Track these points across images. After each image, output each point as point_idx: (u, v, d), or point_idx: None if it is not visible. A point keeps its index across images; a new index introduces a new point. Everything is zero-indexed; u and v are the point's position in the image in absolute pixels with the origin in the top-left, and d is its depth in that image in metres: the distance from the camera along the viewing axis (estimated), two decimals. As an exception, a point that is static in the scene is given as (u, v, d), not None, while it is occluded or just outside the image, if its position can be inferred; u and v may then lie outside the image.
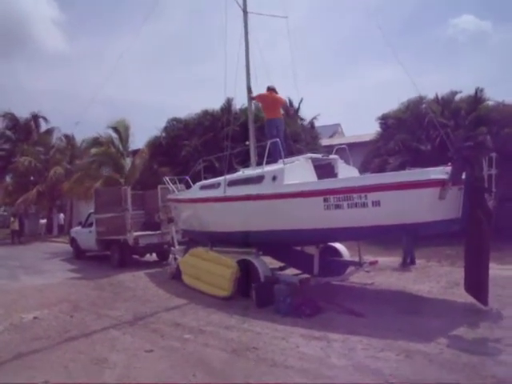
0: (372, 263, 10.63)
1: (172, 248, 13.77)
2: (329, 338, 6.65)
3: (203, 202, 11.37)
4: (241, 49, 11.83)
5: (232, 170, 12.27)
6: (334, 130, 40.51)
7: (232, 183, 10.55)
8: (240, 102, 23.86)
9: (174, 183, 14.00)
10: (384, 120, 23.02)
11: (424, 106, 21.32)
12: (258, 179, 9.75)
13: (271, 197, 9.24)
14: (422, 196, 7.45)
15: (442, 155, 16.22)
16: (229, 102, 23.89)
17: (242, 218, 10.14)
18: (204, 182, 12.00)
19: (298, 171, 9.42)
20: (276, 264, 10.99)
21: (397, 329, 6.91)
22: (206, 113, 24.50)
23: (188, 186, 13.34)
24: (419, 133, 20.22)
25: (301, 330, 7.11)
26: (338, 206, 8.23)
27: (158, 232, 15.67)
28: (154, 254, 17.49)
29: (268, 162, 10.04)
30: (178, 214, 13.57)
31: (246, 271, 9.72)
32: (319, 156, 10.27)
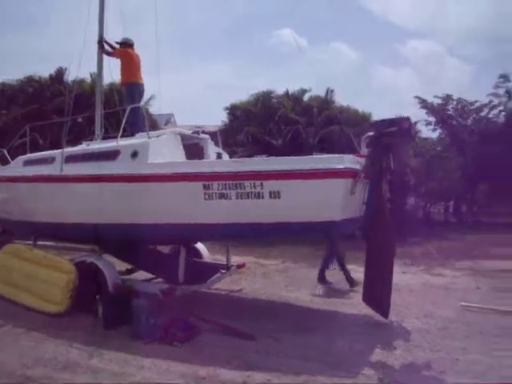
0: (240, 266, 9.04)
1: (-24, 242, 10.29)
2: (222, 379, 4.75)
3: (28, 182, 8.41)
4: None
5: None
6: (167, 119, 38.41)
7: (72, 159, 7.89)
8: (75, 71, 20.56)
9: (-14, 158, 10.46)
10: (231, 111, 21.88)
11: (275, 100, 20.72)
12: (111, 155, 7.34)
13: (130, 179, 6.94)
14: (335, 188, 6.04)
15: (293, 150, 15.69)
16: (61, 71, 20.31)
17: (83, 206, 7.60)
18: (31, 155, 8.99)
19: (164, 148, 7.29)
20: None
21: (303, 355, 5.36)
22: (30, 79, 20.32)
23: (4, 162, 10.08)
24: (271, 126, 19.50)
25: (178, 367, 5.04)
26: (222, 196, 6.38)
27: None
28: None
29: (122, 136, 7.72)
30: (-13, 196, 10.16)
31: (87, 277, 7.22)
32: (189, 133, 8.24)
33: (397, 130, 6.15)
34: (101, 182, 7.22)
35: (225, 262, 8.81)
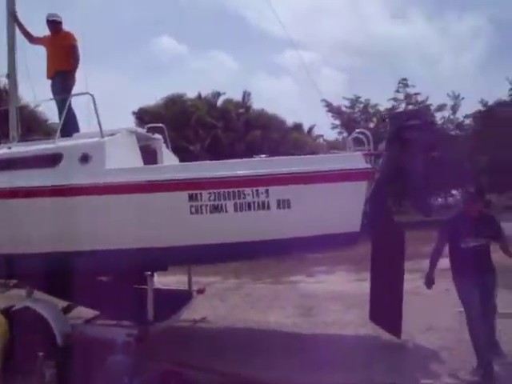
0: (200, 291, 7.56)
1: None
2: None
3: None
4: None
5: None
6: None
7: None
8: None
9: None
10: (139, 115, 19.97)
11: (190, 103, 19.26)
12: (50, 160, 5.48)
13: (83, 190, 5.22)
14: (357, 192, 5.02)
15: (213, 156, 14.53)
16: None
17: (5, 231, 5.66)
18: None
19: (121, 150, 5.68)
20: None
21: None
22: None
23: None
24: (187, 131, 18.00)
25: None
26: (216, 208, 4.98)
27: None
28: None
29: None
30: None
31: (22, 328, 5.30)
32: (143, 131, 6.64)
33: (419, 124, 5.29)
34: (37, 197, 5.37)
35: (182, 287, 7.37)
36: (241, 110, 19.60)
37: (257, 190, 4.90)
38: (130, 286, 6.29)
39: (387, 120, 6.27)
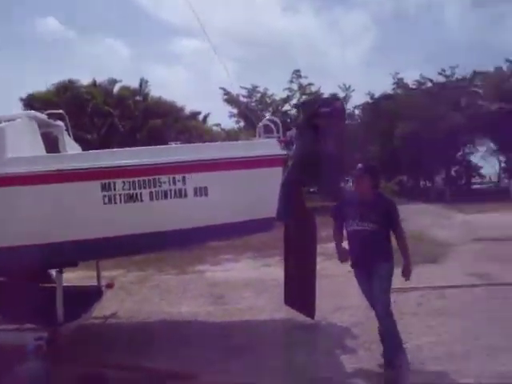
0: (109, 286, 7.24)
1: None
2: None
3: None
4: None
5: None
6: None
7: None
8: None
9: None
10: (28, 102, 18.46)
11: (84, 90, 18.14)
12: None
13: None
14: (275, 178, 5.15)
15: (111, 145, 14.04)
16: None
17: None
18: None
19: (21, 137, 5.24)
20: None
21: None
22: None
23: None
24: (83, 119, 17.00)
25: None
26: (130, 197, 4.80)
27: None
28: None
29: None
30: None
31: None
32: (44, 117, 6.16)
33: (331, 111, 5.47)
34: None
35: (90, 282, 7.03)
36: (138, 98, 18.98)
37: (173, 178, 4.80)
38: (35, 286, 5.86)
39: (299, 107, 6.45)
